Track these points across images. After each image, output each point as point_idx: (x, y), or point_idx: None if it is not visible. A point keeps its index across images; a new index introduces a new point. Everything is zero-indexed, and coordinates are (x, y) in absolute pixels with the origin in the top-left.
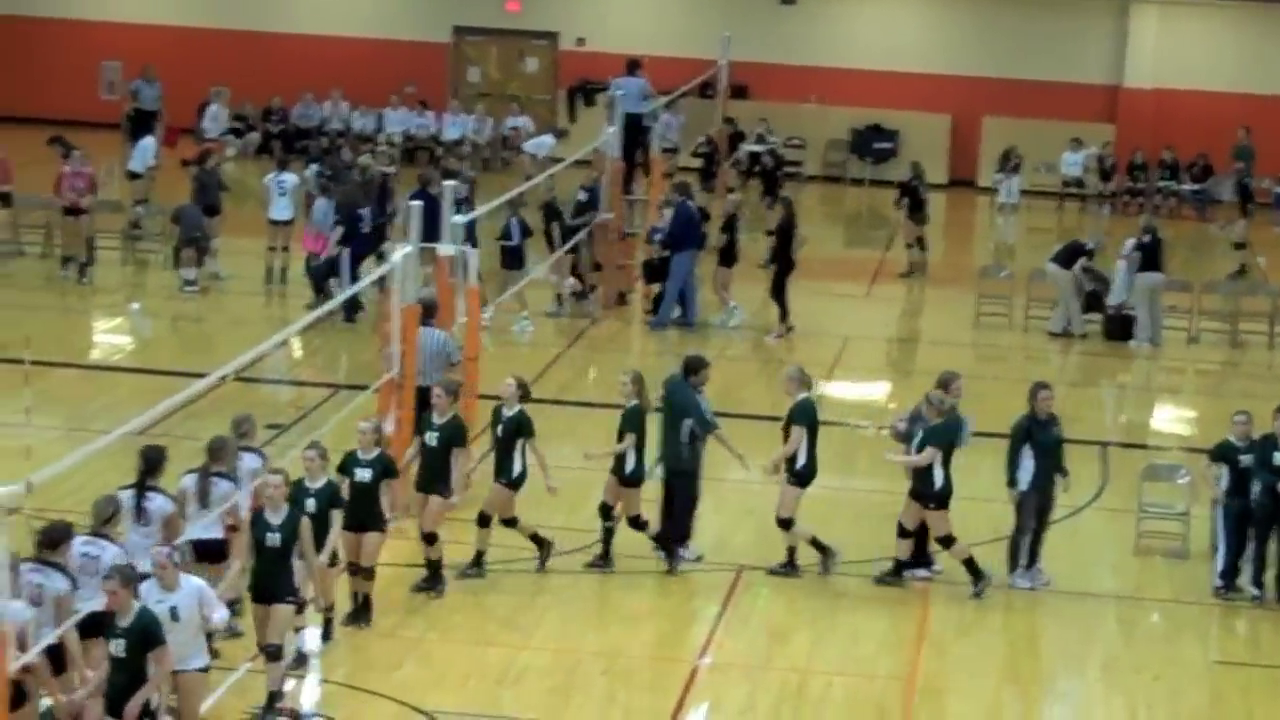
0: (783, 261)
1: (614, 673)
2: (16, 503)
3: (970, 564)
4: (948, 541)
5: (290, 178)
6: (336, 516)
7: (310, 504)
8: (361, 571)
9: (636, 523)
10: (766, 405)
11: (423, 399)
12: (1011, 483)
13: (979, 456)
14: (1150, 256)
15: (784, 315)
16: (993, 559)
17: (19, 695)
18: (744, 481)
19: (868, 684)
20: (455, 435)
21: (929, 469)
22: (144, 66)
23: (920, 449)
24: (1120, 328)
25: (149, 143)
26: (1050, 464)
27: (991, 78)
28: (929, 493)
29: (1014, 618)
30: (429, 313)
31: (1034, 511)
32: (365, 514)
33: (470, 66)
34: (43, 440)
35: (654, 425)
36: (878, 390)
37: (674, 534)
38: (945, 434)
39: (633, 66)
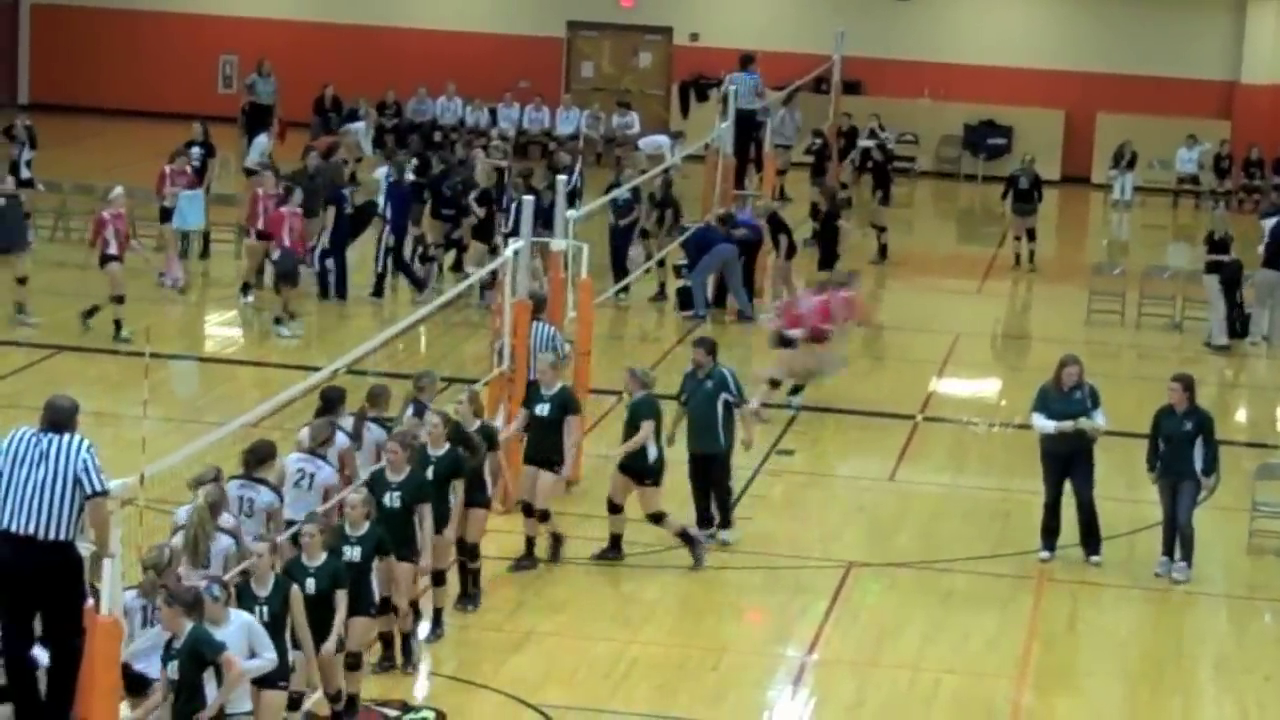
0: (824, 252)
1: (723, 668)
2: (131, 494)
3: (685, 535)
4: (659, 518)
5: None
6: (341, 599)
7: (310, 584)
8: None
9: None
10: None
11: (531, 392)
12: (1149, 469)
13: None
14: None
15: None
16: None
17: None
18: (852, 478)
19: (977, 681)
20: (454, 467)
21: (644, 444)
22: (259, 61)
23: (632, 425)
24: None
25: (264, 139)
26: (1171, 454)
27: (1106, 73)
28: (644, 468)
29: (1124, 616)
30: (538, 307)
31: (1164, 500)
32: (353, 600)
33: (584, 61)
34: (158, 432)
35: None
36: (988, 387)
37: (724, 519)
38: (651, 408)
39: (745, 62)
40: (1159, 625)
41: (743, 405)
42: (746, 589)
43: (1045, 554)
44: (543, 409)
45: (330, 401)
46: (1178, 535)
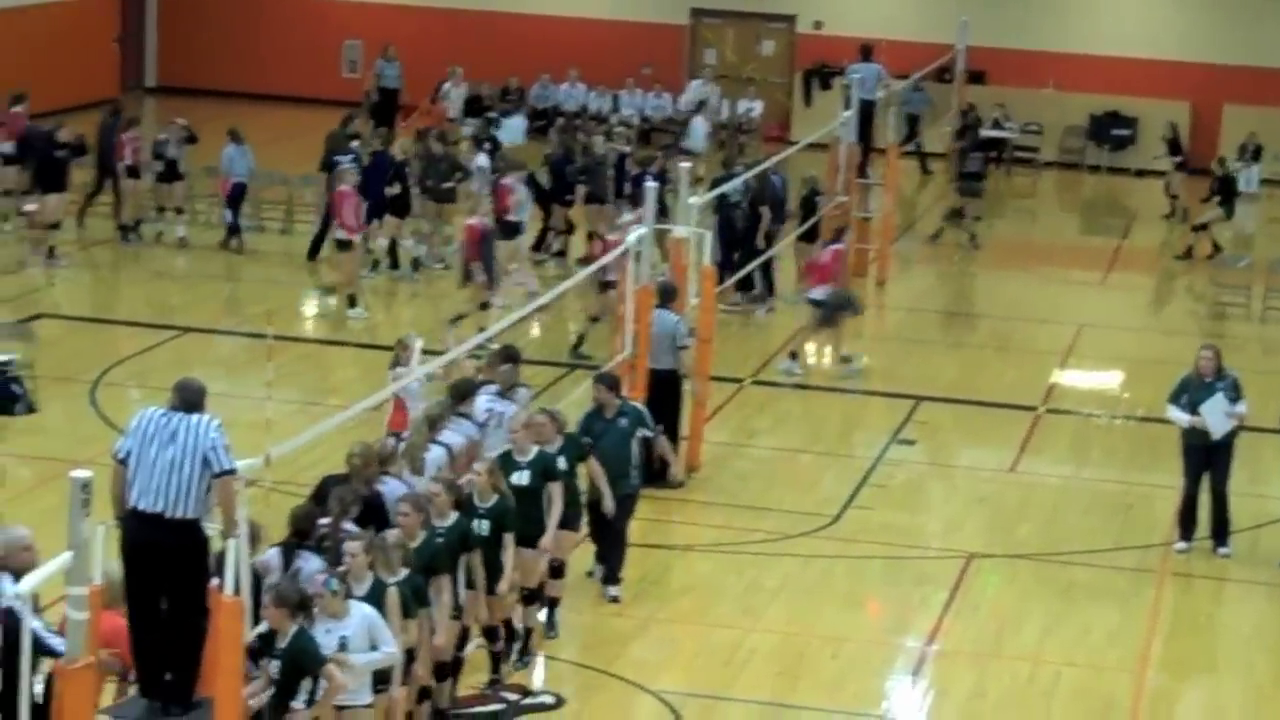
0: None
1: (842, 657)
2: (256, 475)
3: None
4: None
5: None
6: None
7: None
8: None
9: None
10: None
11: (653, 382)
12: None
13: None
14: None
15: (770, 289)
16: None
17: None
18: (973, 469)
19: (1097, 675)
20: (463, 540)
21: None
22: (384, 46)
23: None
24: None
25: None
26: None
27: (1232, 65)
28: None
29: (1248, 611)
30: (667, 296)
31: None
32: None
33: (707, 49)
34: (282, 414)
35: None
36: (1111, 379)
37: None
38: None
39: (866, 52)
40: None
41: (658, 438)
42: (866, 579)
43: (1182, 545)
44: (520, 477)
45: (509, 357)
46: None
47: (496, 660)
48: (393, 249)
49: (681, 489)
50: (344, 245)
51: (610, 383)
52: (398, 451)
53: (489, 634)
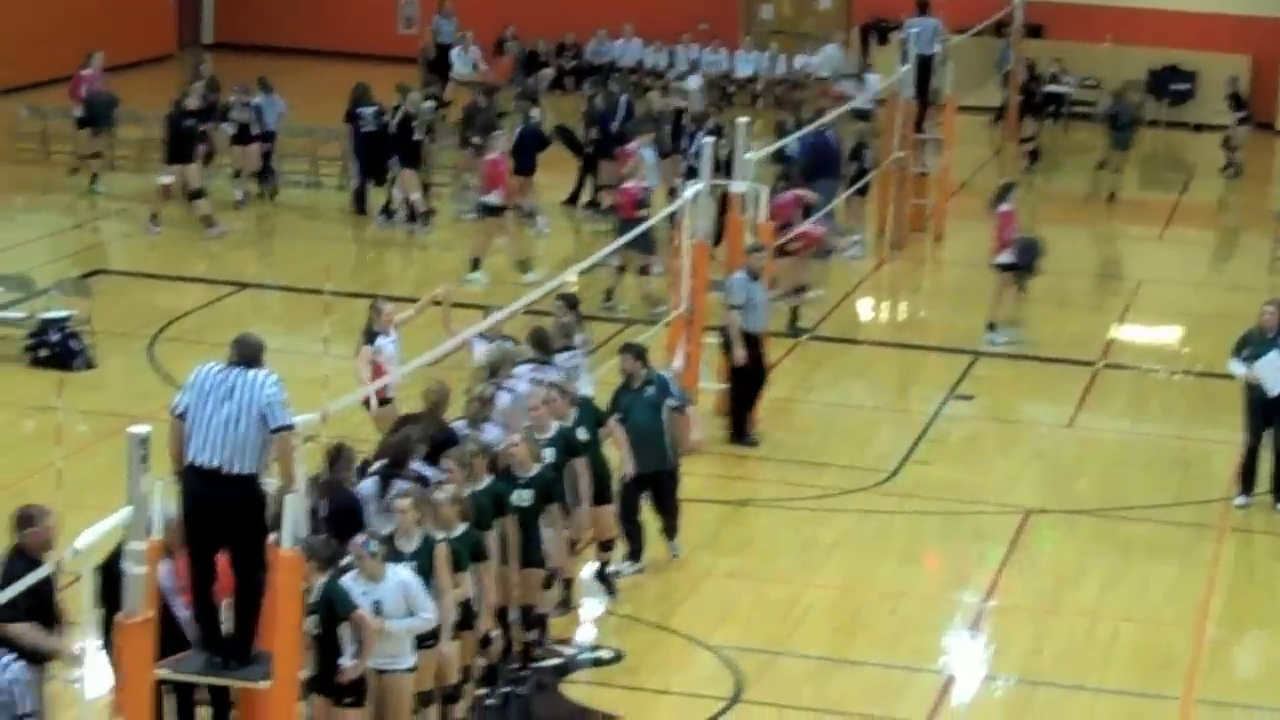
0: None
1: (900, 612)
2: (314, 431)
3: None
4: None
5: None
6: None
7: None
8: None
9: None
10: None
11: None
12: None
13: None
14: None
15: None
16: None
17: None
18: (1031, 424)
19: (1155, 631)
20: (498, 503)
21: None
22: (441, 1)
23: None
24: None
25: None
26: None
27: None
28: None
29: None
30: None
31: None
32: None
33: (764, 4)
34: (338, 370)
35: None
36: (1170, 334)
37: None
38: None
39: (923, 6)
40: None
41: (686, 407)
42: (924, 534)
43: (1241, 499)
44: (521, 497)
45: (572, 305)
46: None
47: (526, 650)
48: (405, 201)
49: (755, 446)
50: (494, 210)
51: (636, 352)
52: (494, 399)
53: (529, 619)
